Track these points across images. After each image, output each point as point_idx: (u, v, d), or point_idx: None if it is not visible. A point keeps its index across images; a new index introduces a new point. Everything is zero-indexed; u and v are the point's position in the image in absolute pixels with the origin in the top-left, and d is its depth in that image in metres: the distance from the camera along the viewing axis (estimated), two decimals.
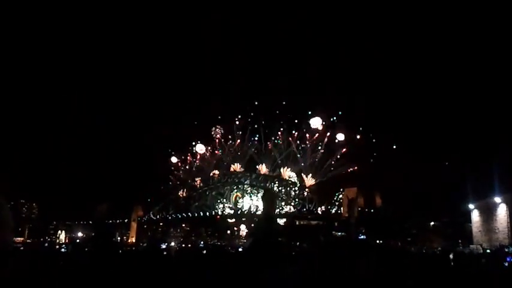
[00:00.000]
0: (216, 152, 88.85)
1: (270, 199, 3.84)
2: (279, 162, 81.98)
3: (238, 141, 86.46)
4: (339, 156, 78.44)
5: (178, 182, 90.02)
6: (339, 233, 58.05)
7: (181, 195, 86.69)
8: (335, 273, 2.52)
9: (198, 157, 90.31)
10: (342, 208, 68.61)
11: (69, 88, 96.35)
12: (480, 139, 63.59)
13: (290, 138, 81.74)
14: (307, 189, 77.02)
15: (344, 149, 78.07)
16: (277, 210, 72.33)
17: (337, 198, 71.79)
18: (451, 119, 74.29)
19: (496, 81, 68.68)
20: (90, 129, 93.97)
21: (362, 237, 48.61)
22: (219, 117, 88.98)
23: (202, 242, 64.96)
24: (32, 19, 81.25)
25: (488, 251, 29.65)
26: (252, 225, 66.63)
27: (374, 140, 75.43)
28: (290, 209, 74.26)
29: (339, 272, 2.51)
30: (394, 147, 73.54)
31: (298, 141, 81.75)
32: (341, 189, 70.68)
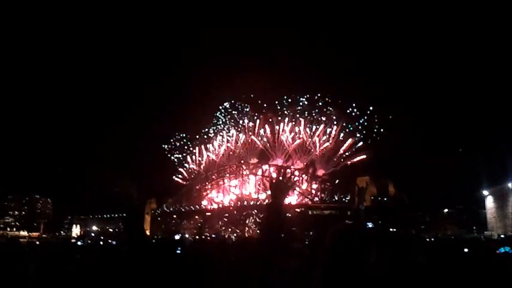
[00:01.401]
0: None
1: (278, 188, 3.56)
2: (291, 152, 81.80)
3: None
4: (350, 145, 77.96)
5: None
6: (351, 222, 57.80)
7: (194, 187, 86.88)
8: (344, 264, 2.54)
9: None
10: (354, 197, 68.40)
11: (80, 86, 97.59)
12: (493, 126, 62.87)
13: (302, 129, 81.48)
14: (319, 179, 76.72)
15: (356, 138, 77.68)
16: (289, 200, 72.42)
17: (350, 188, 71.42)
18: (465, 107, 73.60)
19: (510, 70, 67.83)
20: (101, 123, 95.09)
21: (370, 225, 48.38)
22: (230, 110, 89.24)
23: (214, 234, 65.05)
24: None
25: (502, 236, 29.41)
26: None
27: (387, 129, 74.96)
28: (303, 199, 74.13)
29: (348, 263, 2.54)
30: (408, 136, 72.89)
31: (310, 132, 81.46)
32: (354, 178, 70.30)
